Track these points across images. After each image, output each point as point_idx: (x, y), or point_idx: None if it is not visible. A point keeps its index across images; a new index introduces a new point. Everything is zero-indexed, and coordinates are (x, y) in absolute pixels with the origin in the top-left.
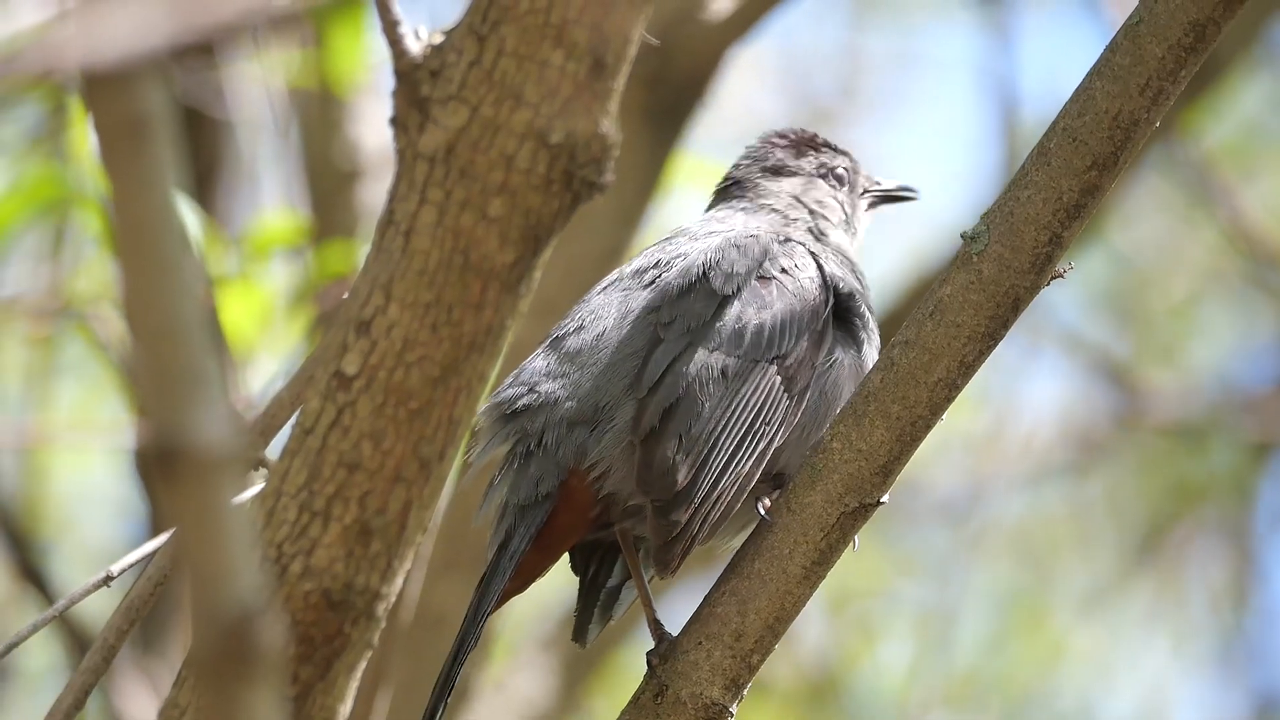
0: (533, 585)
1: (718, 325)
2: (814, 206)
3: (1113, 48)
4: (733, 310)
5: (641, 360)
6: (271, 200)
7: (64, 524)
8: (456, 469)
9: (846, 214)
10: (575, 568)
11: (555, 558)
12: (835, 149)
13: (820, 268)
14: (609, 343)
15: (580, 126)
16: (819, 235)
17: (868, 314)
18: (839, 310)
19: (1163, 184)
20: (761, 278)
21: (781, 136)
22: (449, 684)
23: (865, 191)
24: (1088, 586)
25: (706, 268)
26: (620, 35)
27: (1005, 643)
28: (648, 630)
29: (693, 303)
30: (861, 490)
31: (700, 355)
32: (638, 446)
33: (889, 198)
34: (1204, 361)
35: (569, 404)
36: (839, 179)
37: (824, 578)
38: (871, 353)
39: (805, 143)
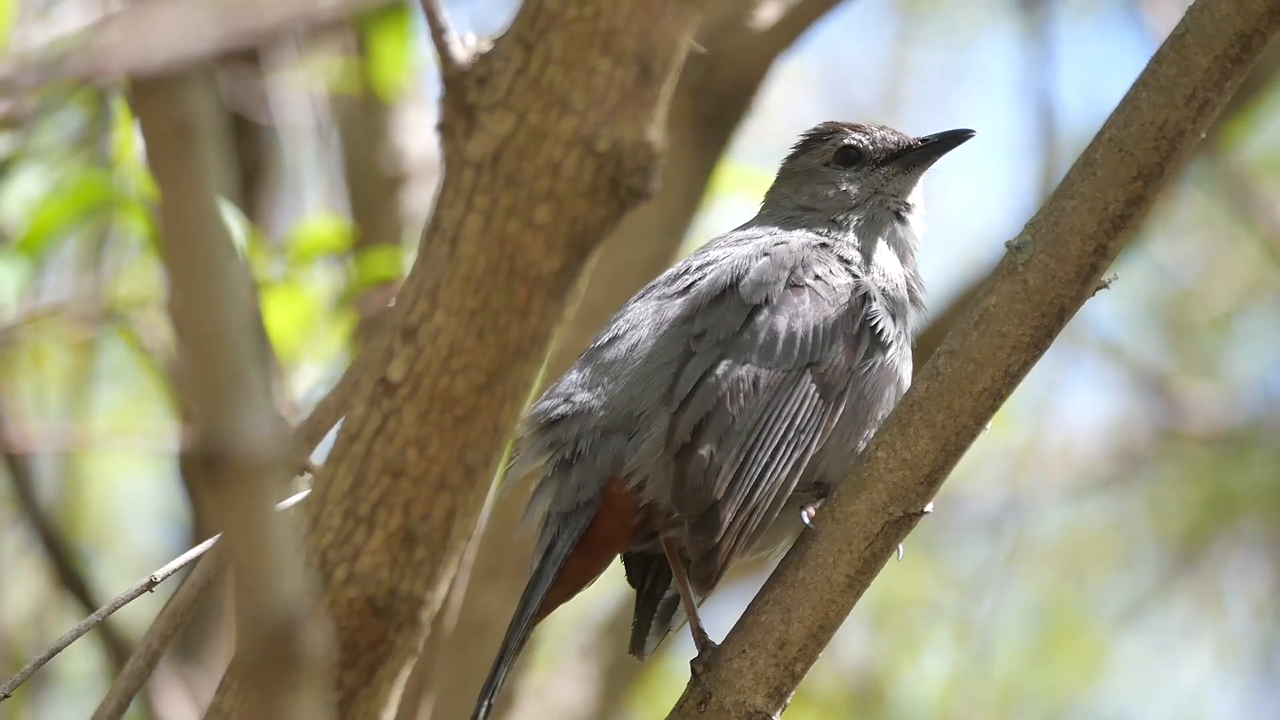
0: (578, 594)
1: (748, 335)
2: (816, 204)
3: (1159, 58)
4: (764, 319)
5: (675, 372)
6: (316, 206)
7: (107, 530)
8: (500, 476)
9: (857, 193)
10: (631, 579)
11: (601, 565)
12: (847, 128)
13: (853, 273)
14: (642, 353)
15: (627, 134)
16: (830, 232)
17: (882, 318)
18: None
19: (1205, 197)
20: (794, 285)
21: (802, 137)
22: (492, 688)
23: (900, 154)
24: (1128, 597)
25: (737, 277)
26: (667, 43)
27: (1046, 653)
28: (691, 638)
29: (723, 313)
30: (906, 500)
31: (732, 367)
32: (671, 461)
33: (937, 147)
34: (1245, 373)
35: (603, 413)
36: (848, 159)
37: (867, 586)
38: (897, 357)
39: (817, 137)
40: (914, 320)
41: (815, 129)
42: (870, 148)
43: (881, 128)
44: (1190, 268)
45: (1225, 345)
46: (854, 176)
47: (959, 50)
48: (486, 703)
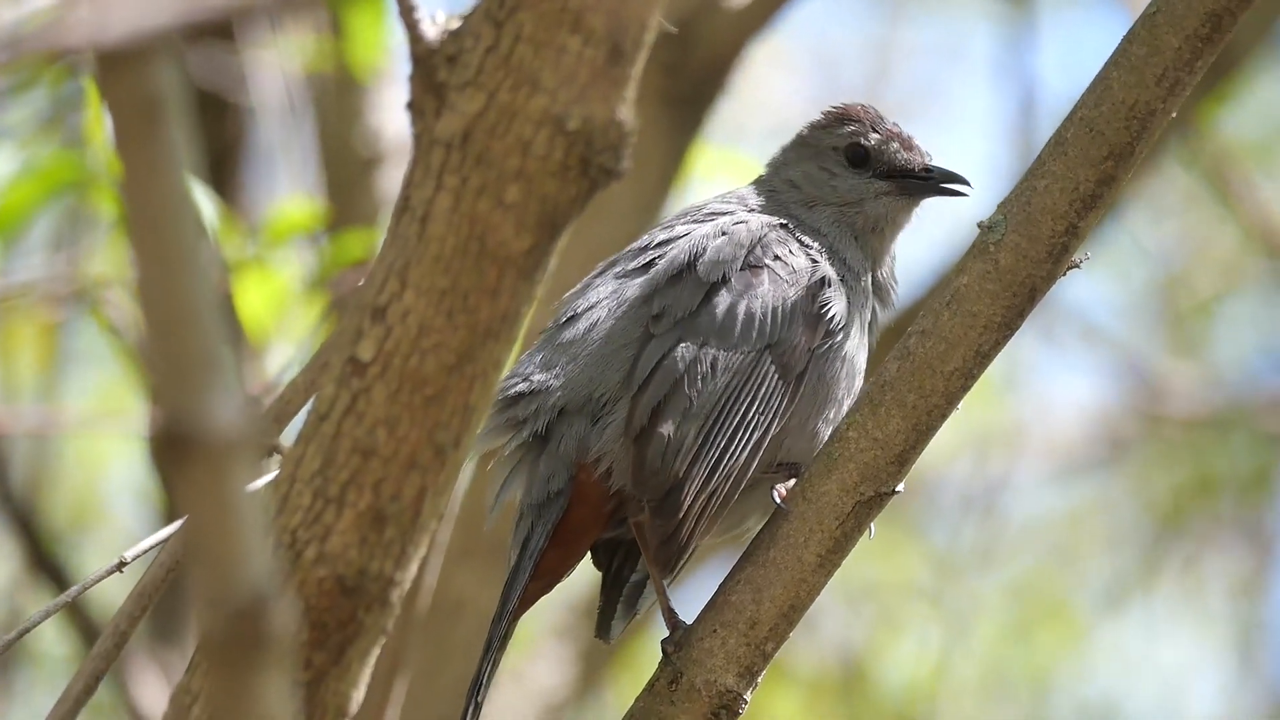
0: (559, 584)
1: (706, 316)
2: (804, 184)
3: (1130, 38)
4: (722, 299)
5: (634, 354)
6: (290, 186)
7: (81, 512)
8: (472, 456)
9: (844, 194)
10: (598, 563)
11: (578, 554)
12: (871, 125)
13: (812, 256)
14: (601, 334)
15: (597, 113)
16: (801, 214)
17: (835, 304)
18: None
19: (1188, 180)
20: (753, 266)
21: (830, 112)
22: (478, 686)
23: (903, 174)
24: (1110, 579)
25: (694, 256)
26: (638, 21)
27: (1028, 635)
28: (662, 619)
29: (681, 292)
30: (877, 479)
31: (689, 350)
32: (631, 445)
33: (935, 188)
34: (1227, 356)
35: (561, 393)
36: (855, 157)
37: (839, 566)
38: (850, 344)
39: (840, 118)
40: (882, 317)
41: (845, 109)
42: (878, 155)
43: (901, 137)
44: (1174, 250)
45: (1208, 328)
46: (850, 176)
47: (944, 31)
48: (474, 701)
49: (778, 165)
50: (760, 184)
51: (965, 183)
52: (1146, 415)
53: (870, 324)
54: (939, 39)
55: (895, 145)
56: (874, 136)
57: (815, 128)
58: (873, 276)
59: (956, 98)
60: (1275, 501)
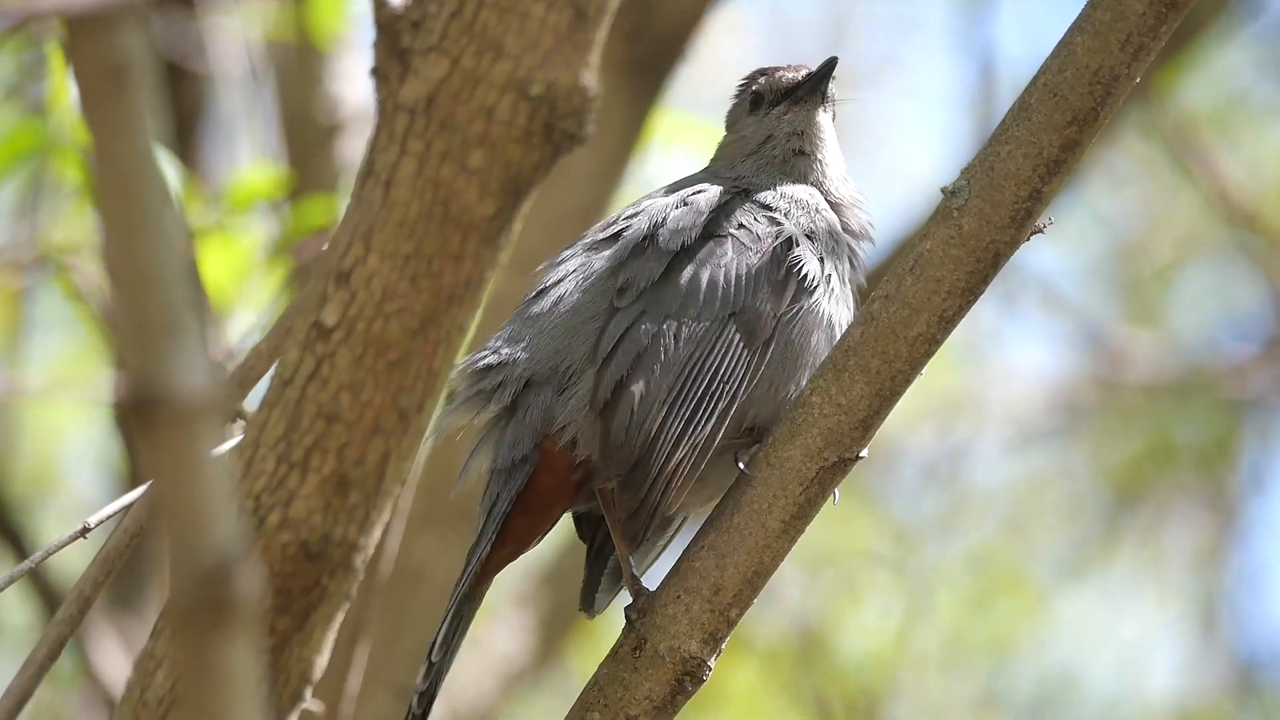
0: (526, 551)
1: (670, 287)
2: (731, 151)
3: (1094, 3)
4: (685, 270)
5: (600, 327)
6: (251, 154)
7: (45, 479)
8: (435, 422)
9: (751, 136)
10: (582, 535)
11: (546, 523)
12: (759, 72)
13: (775, 220)
14: (568, 307)
15: (561, 78)
16: (746, 178)
17: (807, 262)
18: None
19: (1147, 148)
20: (716, 236)
21: (737, 85)
22: (433, 646)
23: (790, 92)
24: (1070, 548)
25: (655, 226)
26: None
27: (987, 604)
28: (627, 593)
29: (644, 263)
30: (840, 445)
31: (651, 323)
32: (595, 418)
33: (817, 77)
34: (1186, 324)
35: (527, 365)
36: (755, 103)
37: (803, 532)
38: (825, 300)
39: (743, 82)
40: (863, 254)
41: (745, 78)
42: (768, 90)
43: (792, 68)
44: (1132, 218)
45: (1167, 295)
46: (753, 120)
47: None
48: (430, 662)
49: (719, 149)
50: (713, 164)
51: (832, 59)
52: (1106, 383)
53: (849, 274)
54: (897, 7)
55: (779, 74)
56: (761, 80)
57: (730, 106)
58: (829, 202)
59: (915, 66)
60: (1235, 469)
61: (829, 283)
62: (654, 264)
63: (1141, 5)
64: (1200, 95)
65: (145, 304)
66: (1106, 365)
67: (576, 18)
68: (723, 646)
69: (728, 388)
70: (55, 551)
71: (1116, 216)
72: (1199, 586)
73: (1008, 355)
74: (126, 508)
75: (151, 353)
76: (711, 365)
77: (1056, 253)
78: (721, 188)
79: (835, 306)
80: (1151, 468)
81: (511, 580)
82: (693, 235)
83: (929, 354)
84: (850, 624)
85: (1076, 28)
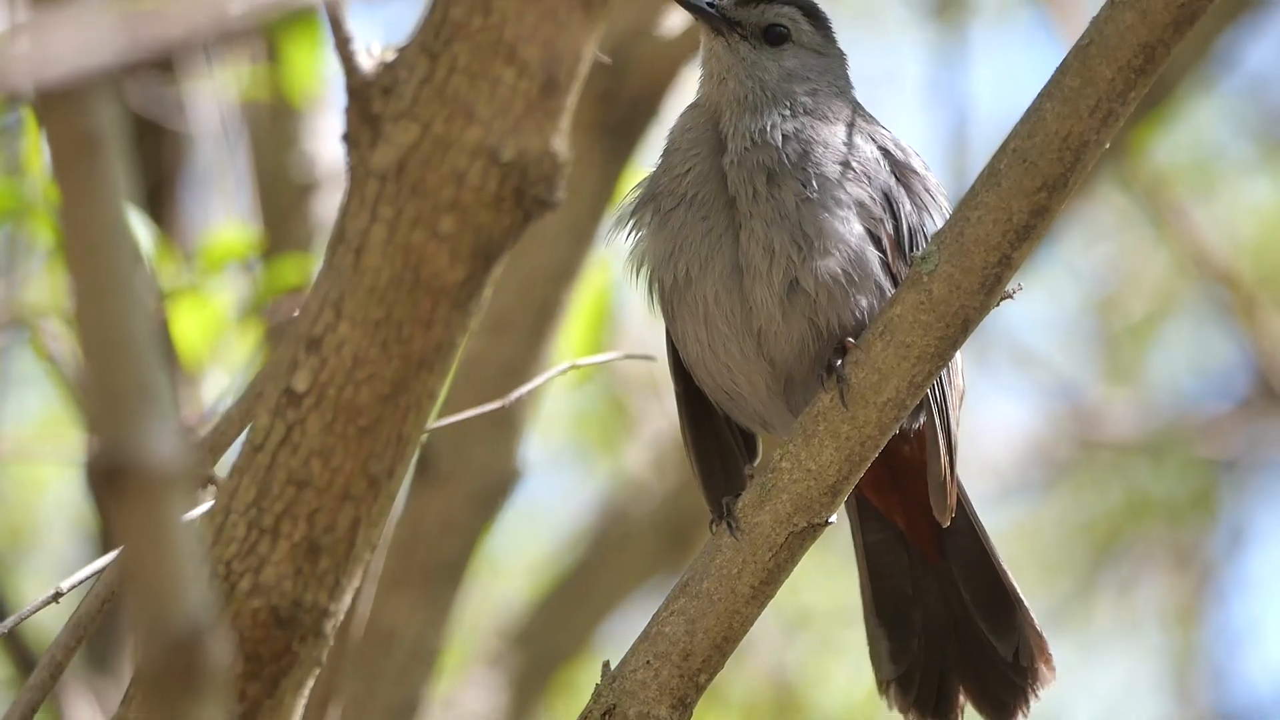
0: None
1: None
2: None
3: (1063, 69)
4: None
5: None
6: (225, 213)
7: (19, 536)
8: (406, 486)
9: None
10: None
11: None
12: None
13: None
14: None
15: (531, 144)
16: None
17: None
18: None
19: (1121, 202)
20: None
21: None
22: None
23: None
24: (1045, 603)
25: None
26: (572, 53)
27: None
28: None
29: None
30: (810, 510)
31: None
32: None
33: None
34: (1161, 380)
35: None
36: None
37: (772, 597)
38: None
39: None
40: (763, 156)
41: None
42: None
43: None
44: (1107, 274)
45: (1142, 352)
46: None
47: (871, 55)
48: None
49: None
50: None
51: None
52: (1081, 439)
53: (717, 191)
54: (871, 63)
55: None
56: None
57: None
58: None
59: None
60: (1211, 526)
61: (646, 215)
62: None
63: (1110, 71)
64: (1175, 151)
65: (116, 370)
66: (1082, 421)
67: (547, 84)
68: (691, 712)
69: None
70: (27, 617)
71: (1092, 272)
72: (1175, 643)
73: (984, 410)
74: (99, 572)
75: (122, 419)
76: None
77: (1032, 308)
78: None
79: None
80: (1128, 524)
81: (482, 639)
82: None
83: (898, 419)
84: (826, 680)
85: (1046, 94)
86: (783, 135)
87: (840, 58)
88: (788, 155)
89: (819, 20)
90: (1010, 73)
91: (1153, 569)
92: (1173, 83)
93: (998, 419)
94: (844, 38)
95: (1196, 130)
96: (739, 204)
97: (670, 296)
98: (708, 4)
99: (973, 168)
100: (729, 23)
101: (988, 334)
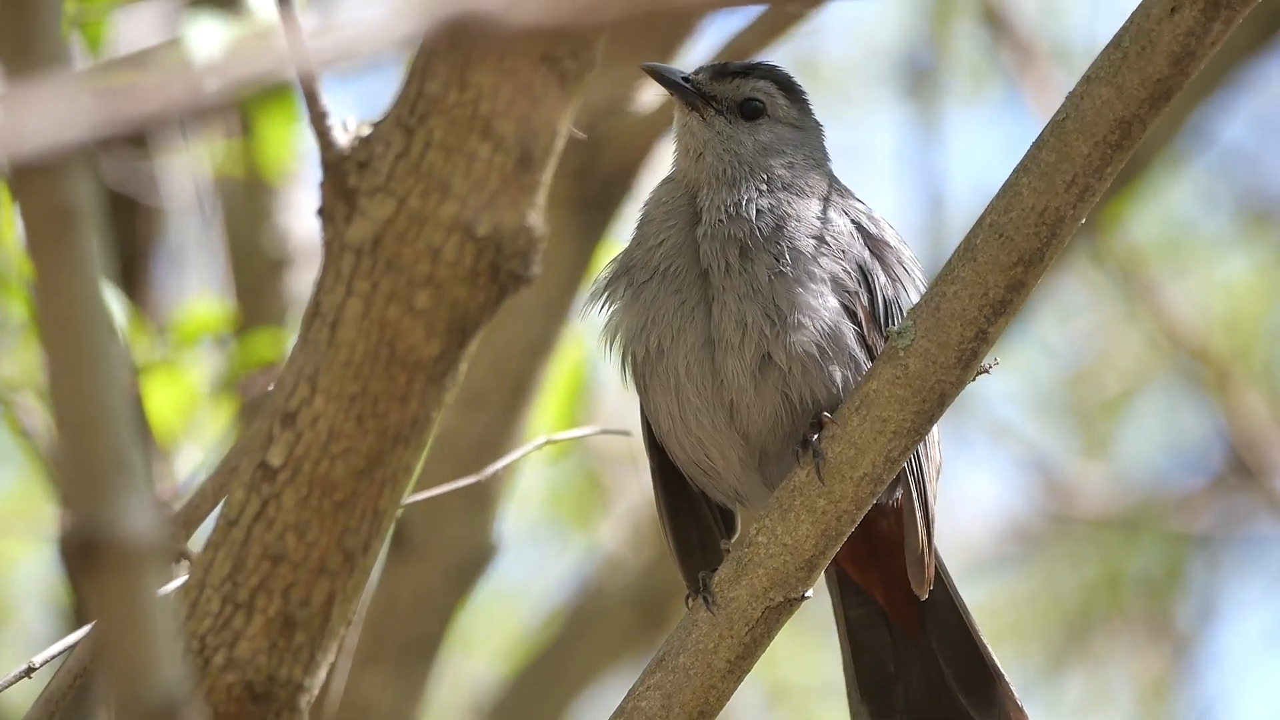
0: None
1: None
2: None
3: (1039, 144)
4: None
5: None
6: (199, 287)
7: None
8: (380, 561)
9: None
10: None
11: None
12: None
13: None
14: None
15: (507, 219)
16: None
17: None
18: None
19: (1096, 279)
20: None
21: None
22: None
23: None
24: (1019, 678)
25: None
26: (548, 129)
27: None
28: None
29: None
30: (786, 585)
31: None
32: None
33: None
34: (1135, 456)
35: None
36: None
37: (749, 671)
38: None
39: None
40: (733, 227)
41: None
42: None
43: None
44: (1081, 349)
45: (1116, 427)
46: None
47: (846, 130)
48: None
49: None
50: None
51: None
52: (1055, 514)
53: (691, 263)
54: (846, 137)
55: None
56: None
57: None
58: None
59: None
60: (1184, 601)
61: (621, 290)
62: None
63: (1086, 146)
64: (1149, 227)
65: (90, 445)
66: (1057, 496)
67: (523, 159)
68: None
69: None
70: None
71: (1066, 347)
72: (1148, 716)
73: (959, 484)
74: (71, 647)
75: (96, 495)
76: None
77: (1007, 383)
78: None
79: (625, 310)
80: (1101, 598)
81: (457, 715)
82: None
83: (874, 494)
84: None
85: (1022, 168)
86: (757, 210)
87: (816, 130)
88: (761, 229)
89: (795, 93)
90: (985, 148)
91: (1126, 642)
92: (1147, 158)
93: (973, 493)
94: (818, 111)
95: (1170, 206)
96: (712, 277)
97: (642, 369)
98: (683, 79)
99: (949, 242)
100: (704, 97)
101: (963, 408)
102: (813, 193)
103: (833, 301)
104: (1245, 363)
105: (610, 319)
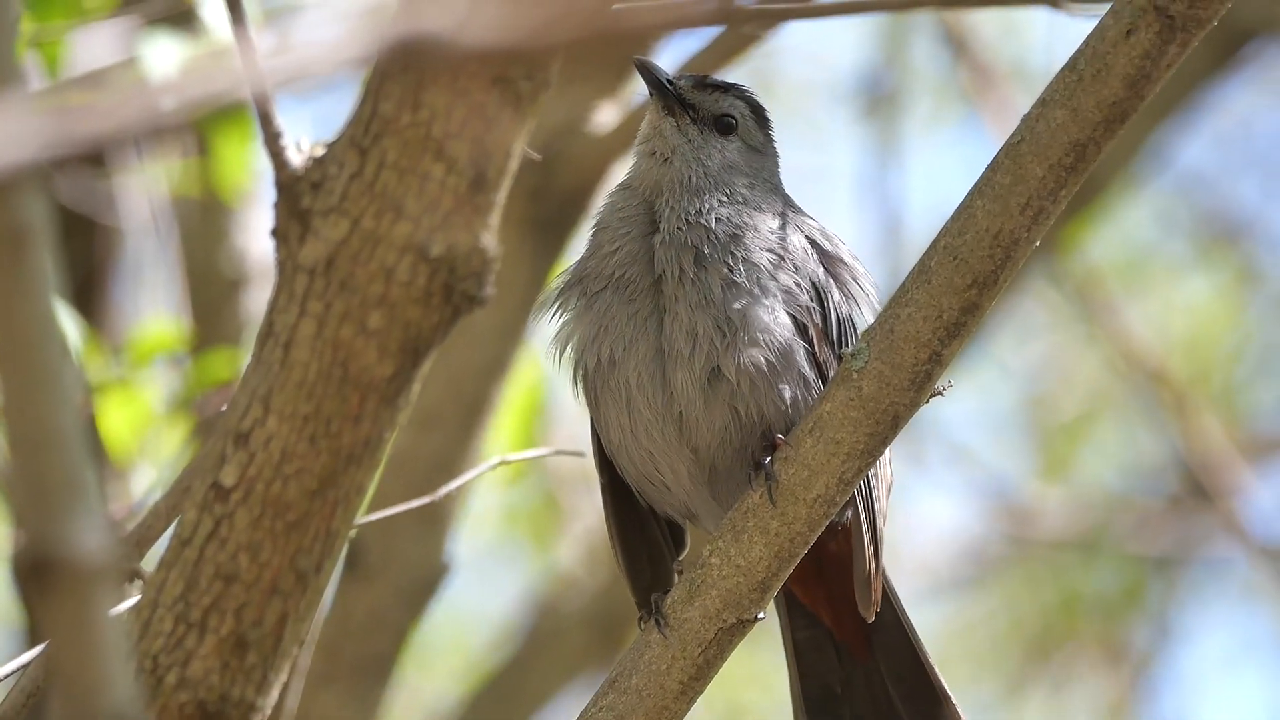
0: None
1: None
2: None
3: (994, 166)
4: None
5: None
6: (155, 307)
7: None
8: (334, 581)
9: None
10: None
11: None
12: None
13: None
14: None
15: (460, 240)
16: None
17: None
18: None
19: (1054, 302)
20: None
21: None
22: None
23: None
24: (979, 701)
25: None
26: (502, 149)
27: None
28: None
29: None
30: (739, 606)
31: None
32: None
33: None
34: (1093, 478)
35: None
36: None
37: (701, 693)
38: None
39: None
40: (691, 235)
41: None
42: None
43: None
44: (1040, 371)
45: (1074, 449)
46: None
47: (802, 152)
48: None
49: None
50: None
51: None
52: (1013, 536)
53: (642, 273)
54: (803, 161)
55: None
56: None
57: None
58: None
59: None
60: (1142, 623)
61: (570, 297)
62: None
63: (1041, 169)
64: (1107, 249)
65: (43, 464)
66: (1015, 518)
67: (476, 180)
68: None
69: None
70: None
71: (1024, 369)
72: None
73: (917, 507)
74: (24, 667)
75: (48, 514)
76: None
77: (964, 405)
78: None
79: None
80: (1059, 620)
81: None
82: None
83: (827, 516)
84: None
85: (977, 191)
86: (716, 218)
87: (775, 157)
88: (718, 237)
89: (764, 119)
90: (944, 170)
91: (1084, 665)
92: (1104, 180)
93: (930, 516)
94: (777, 133)
95: (1128, 229)
96: (665, 286)
97: (594, 381)
98: (668, 80)
99: (907, 264)
100: (684, 104)
101: (920, 431)
102: (769, 210)
103: (785, 317)
104: (1203, 385)
105: (561, 329)
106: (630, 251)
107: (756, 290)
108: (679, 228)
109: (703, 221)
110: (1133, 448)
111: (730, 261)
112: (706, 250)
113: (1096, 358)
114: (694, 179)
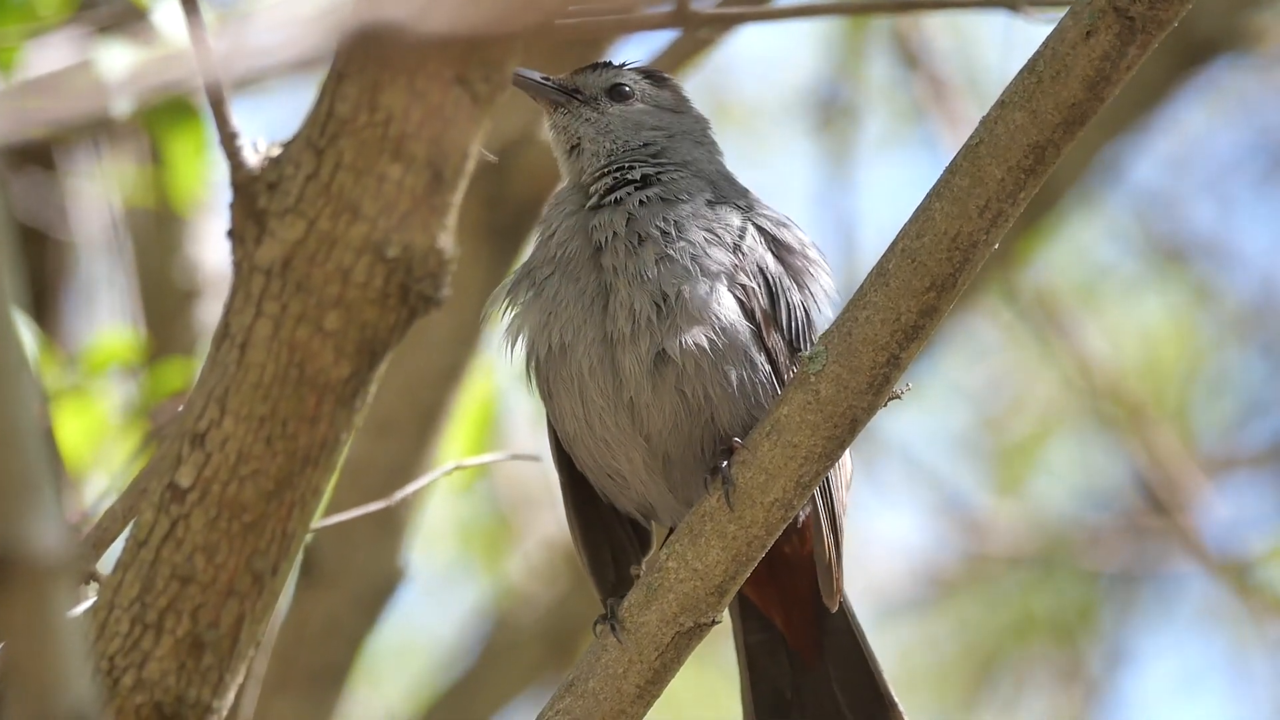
0: None
1: None
2: None
3: (952, 169)
4: None
5: None
6: (109, 318)
7: None
8: (290, 588)
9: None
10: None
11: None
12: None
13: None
14: None
15: (417, 240)
16: None
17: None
18: None
19: (1009, 320)
20: None
21: None
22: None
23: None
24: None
25: None
26: (458, 150)
27: None
28: None
29: None
30: (696, 610)
31: None
32: None
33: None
34: (1049, 496)
35: None
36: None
37: (658, 696)
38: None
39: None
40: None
41: None
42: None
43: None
44: (995, 388)
45: (1029, 467)
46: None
47: (757, 163)
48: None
49: None
50: None
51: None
52: (968, 553)
53: (584, 258)
54: (758, 176)
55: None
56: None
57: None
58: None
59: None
60: (1096, 641)
61: (523, 289)
62: None
63: (1000, 171)
64: (1062, 267)
65: (0, 464)
66: (969, 536)
67: (433, 180)
68: None
69: None
70: None
71: (979, 388)
72: None
73: (870, 524)
74: None
75: (5, 513)
76: None
77: (920, 422)
78: None
79: (526, 312)
80: (1013, 639)
81: None
82: None
83: (785, 519)
84: None
85: (935, 193)
86: (643, 174)
87: (700, 120)
88: (648, 197)
89: (663, 82)
90: (898, 185)
91: (1037, 684)
92: (1058, 195)
93: (886, 534)
94: (728, 148)
95: (1084, 246)
96: (604, 257)
97: (546, 369)
98: (541, 78)
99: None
100: (566, 92)
101: (875, 448)
102: (705, 187)
103: (728, 298)
104: (1159, 403)
105: (512, 322)
106: (569, 226)
107: (694, 268)
108: (606, 187)
109: (629, 177)
110: (1088, 465)
111: (662, 225)
112: (638, 204)
113: (1051, 376)
114: (607, 148)
